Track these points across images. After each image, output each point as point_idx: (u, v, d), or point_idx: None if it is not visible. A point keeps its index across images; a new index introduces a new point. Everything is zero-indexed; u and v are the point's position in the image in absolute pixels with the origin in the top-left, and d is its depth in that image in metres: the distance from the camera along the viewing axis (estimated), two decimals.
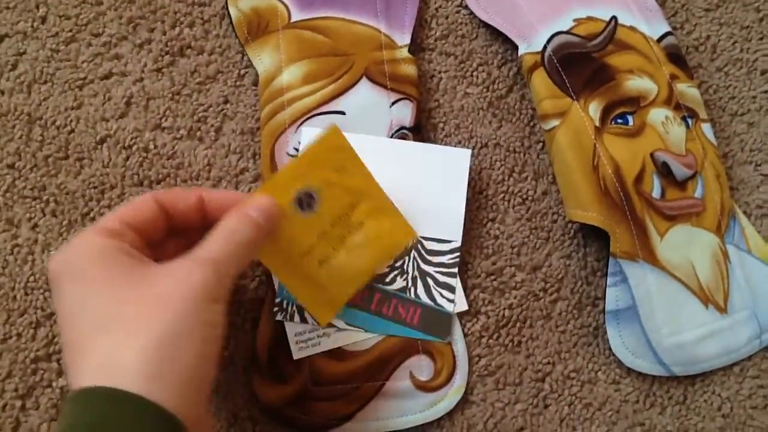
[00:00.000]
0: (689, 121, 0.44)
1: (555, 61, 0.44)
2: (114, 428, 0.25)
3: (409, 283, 0.41)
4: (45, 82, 0.44)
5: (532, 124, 0.46)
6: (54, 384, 0.40)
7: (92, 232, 0.30)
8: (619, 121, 0.43)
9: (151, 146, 0.44)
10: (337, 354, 0.40)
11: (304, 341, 0.40)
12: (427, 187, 0.42)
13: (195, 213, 0.34)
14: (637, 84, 0.43)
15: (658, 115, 0.43)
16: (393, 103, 0.44)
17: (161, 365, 0.26)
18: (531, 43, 0.45)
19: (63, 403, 0.26)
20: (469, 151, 0.42)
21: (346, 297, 0.40)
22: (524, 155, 0.45)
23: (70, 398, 0.26)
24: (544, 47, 0.44)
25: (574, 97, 0.43)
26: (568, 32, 0.45)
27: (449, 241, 0.41)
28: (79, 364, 0.27)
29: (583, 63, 0.44)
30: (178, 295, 0.28)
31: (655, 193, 0.42)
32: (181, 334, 0.27)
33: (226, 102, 0.45)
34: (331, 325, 0.40)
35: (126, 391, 0.25)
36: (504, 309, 0.43)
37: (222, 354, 0.31)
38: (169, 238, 0.35)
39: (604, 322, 0.42)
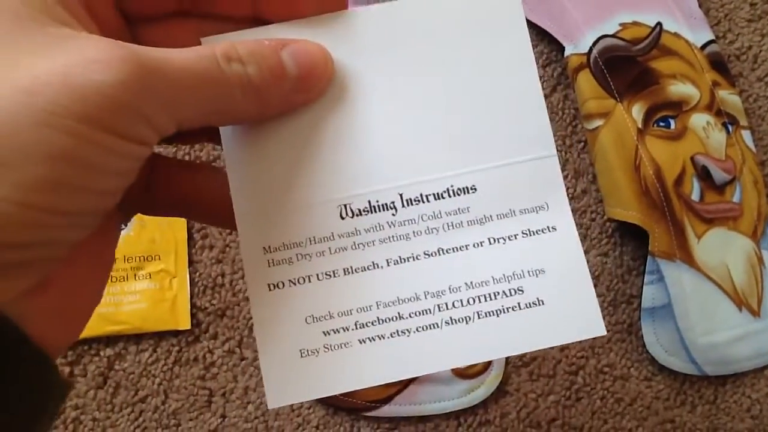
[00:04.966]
0: (730, 127, 0.45)
1: (600, 63, 0.45)
2: None
3: None
4: None
5: (574, 123, 0.47)
6: (102, 353, 0.41)
7: None
8: (662, 124, 0.44)
9: None
10: None
11: None
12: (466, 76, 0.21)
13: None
14: (679, 89, 0.44)
15: (699, 120, 0.44)
16: None
17: None
18: (577, 45, 0.46)
19: None
20: None
21: None
22: (565, 154, 0.46)
23: None
24: (590, 49, 0.45)
25: (618, 99, 0.44)
26: (613, 35, 0.46)
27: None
28: None
29: (628, 66, 0.45)
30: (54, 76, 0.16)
31: (695, 196, 0.43)
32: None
33: None
34: None
35: None
36: None
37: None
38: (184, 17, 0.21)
39: (639, 320, 0.43)
